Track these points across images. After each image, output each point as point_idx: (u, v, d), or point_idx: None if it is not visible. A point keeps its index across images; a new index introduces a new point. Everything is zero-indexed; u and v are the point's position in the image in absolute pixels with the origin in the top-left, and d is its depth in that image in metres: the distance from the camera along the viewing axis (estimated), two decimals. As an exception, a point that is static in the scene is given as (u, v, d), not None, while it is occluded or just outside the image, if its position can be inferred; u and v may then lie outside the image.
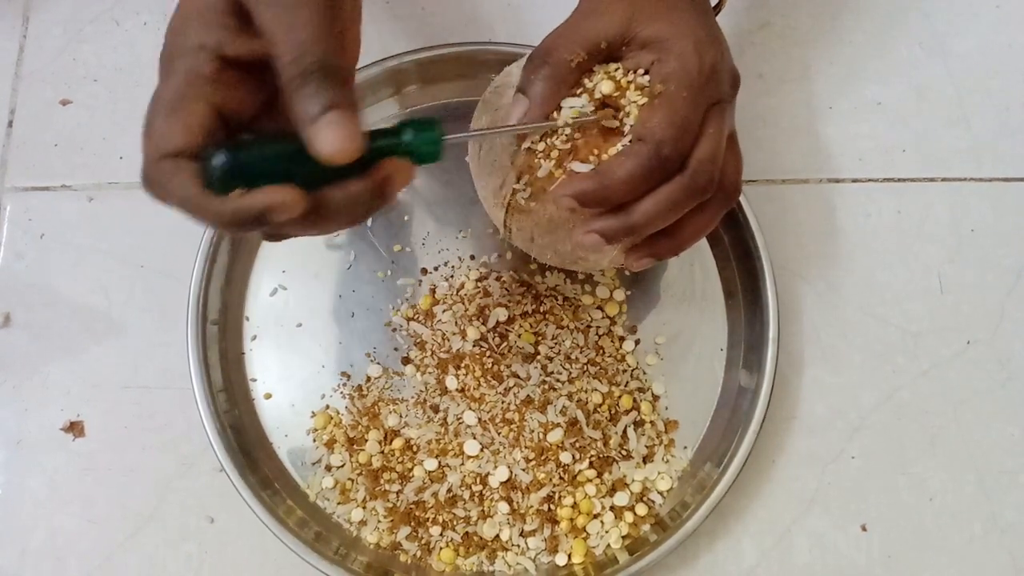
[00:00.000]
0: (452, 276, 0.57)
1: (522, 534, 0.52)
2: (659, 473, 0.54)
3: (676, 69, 0.40)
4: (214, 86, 0.34)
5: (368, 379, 0.55)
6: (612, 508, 0.53)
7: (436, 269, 0.57)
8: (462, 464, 0.53)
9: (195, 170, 0.33)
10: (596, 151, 0.42)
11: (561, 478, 0.52)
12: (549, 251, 0.48)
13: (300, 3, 0.33)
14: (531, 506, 0.52)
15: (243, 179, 0.33)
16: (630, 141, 0.41)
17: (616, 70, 0.42)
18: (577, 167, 0.42)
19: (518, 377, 0.54)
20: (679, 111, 0.40)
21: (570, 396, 0.53)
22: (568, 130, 0.42)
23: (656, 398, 0.55)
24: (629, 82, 0.42)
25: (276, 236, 0.39)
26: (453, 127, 0.59)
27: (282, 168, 0.33)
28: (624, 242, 0.44)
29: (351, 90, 0.34)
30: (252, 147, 0.34)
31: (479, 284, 0.56)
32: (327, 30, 0.34)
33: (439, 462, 0.53)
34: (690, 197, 0.41)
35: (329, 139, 0.33)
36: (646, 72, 0.42)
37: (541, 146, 0.43)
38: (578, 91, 0.43)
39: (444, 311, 0.55)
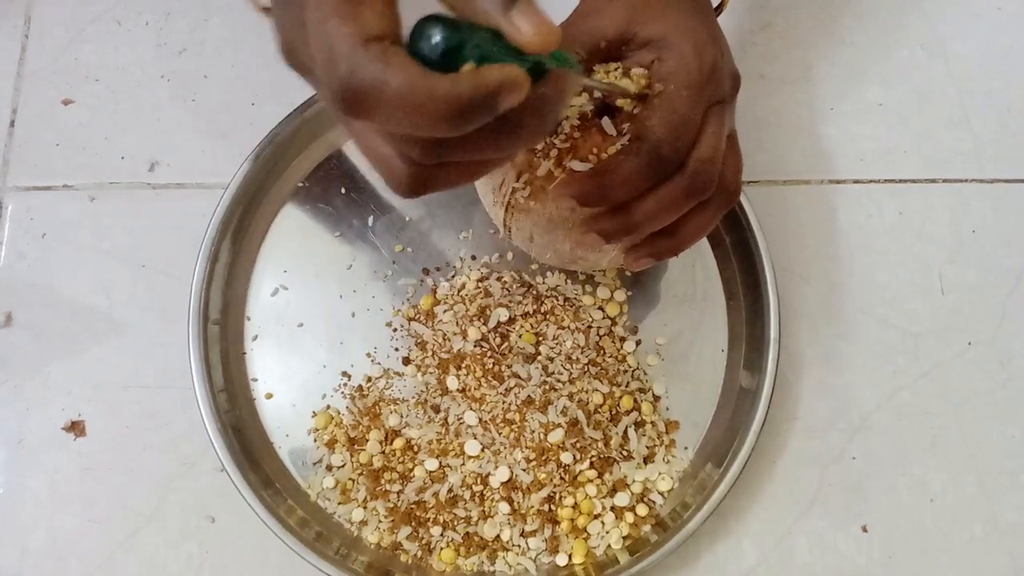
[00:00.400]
0: (453, 276, 0.57)
1: (523, 534, 0.52)
2: (660, 474, 0.54)
3: (676, 69, 0.40)
4: None
5: (369, 379, 0.55)
6: (613, 508, 0.53)
7: (437, 269, 0.57)
8: (463, 464, 0.53)
9: (405, 53, 0.29)
10: (596, 150, 0.42)
11: (562, 478, 0.52)
12: (548, 250, 0.48)
13: None
14: (532, 506, 0.52)
15: (460, 60, 0.29)
16: (629, 140, 0.41)
17: (616, 69, 0.42)
18: (576, 166, 0.42)
19: (519, 377, 0.54)
20: (678, 110, 0.40)
21: (571, 396, 0.53)
22: (568, 128, 0.42)
23: (657, 398, 0.55)
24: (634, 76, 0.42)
25: (431, 180, 0.34)
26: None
27: (489, 50, 0.29)
28: (623, 242, 0.44)
29: None
30: (456, 30, 0.29)
31: (480, 284, 0.56)
32: None
33: (440, 462, 0.53)
34: (689, 197, 0.41)
35: (533, 23, 0.29)
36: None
37: (540, 145, 0.43)
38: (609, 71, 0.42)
39: (445, 311, 0.55)
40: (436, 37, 0.28)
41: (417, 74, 0.28)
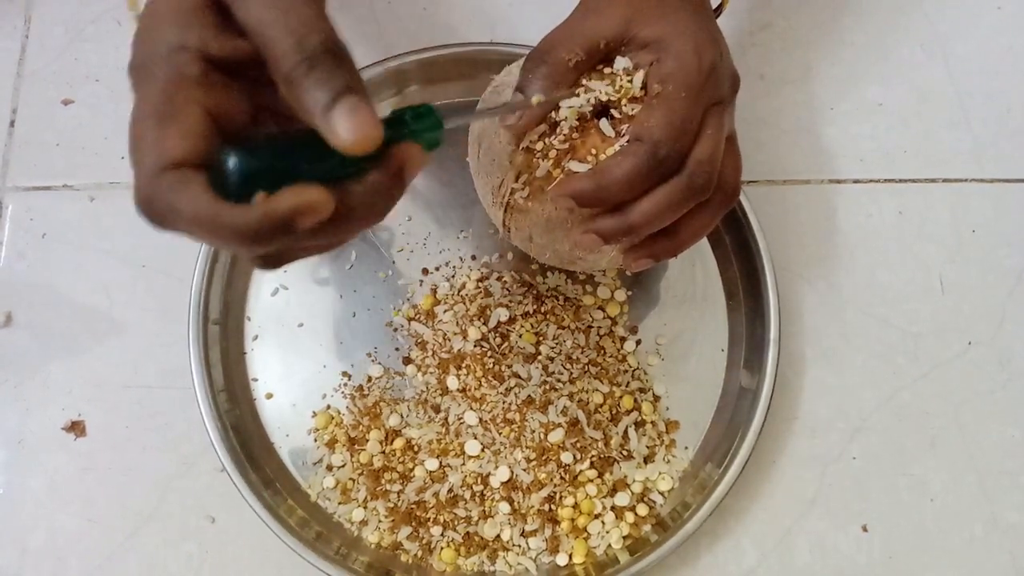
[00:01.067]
0: (453, 276, 0.57)
1: (523, 534, 0.52)
2: (660, 473, 0.54)
3: (674, 70, 0.40)
4: (203, 89, 0.31)
5: (369, 379, 0.55)
6: (613, 508, 0.53)
7: (437, 269, 0.57)
8: (463, 464, 0.53)
9: (203, 181, 0.29)
10: (594, 151, 0.42)
11: (562, 478, 0.52)
12: (548, 251, 0.48)
13: None
14: (532, 506, 0.52)
15: (256, 186, 0.29)
16: (628, 141, 0.41)
17: (611, 72, 0.42)
18: (575, 167, 0.42)
19: (519, 377, 0.54)
20: (677, 111, 0.40)
21: (571, 396, 0.53)
22: (566, 129, 0.42)
23: (657, 398, 0.55)
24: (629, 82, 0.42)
25: (280, 258, 0.35)
26: (454, 126, 0.60)
27: (295, 168, 0.30)
28: (622, 242, 0.44)
29: (358, 73, 0.31)
30: (261, 147, 0.30)
31: (480, 284, 0.56)
32: (322, 11, 0.31)
33: (440, 462, 0.53)
34: (688, 198, 0.41)
35: (350, 126, 0.29)
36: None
37: (539, 146, 0.43)
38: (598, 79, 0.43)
39: (445, 311, 0.55)
40: (228, 166, 0.29)
41: (205, 205, 0.29)
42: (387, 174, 0.32)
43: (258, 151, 0.30)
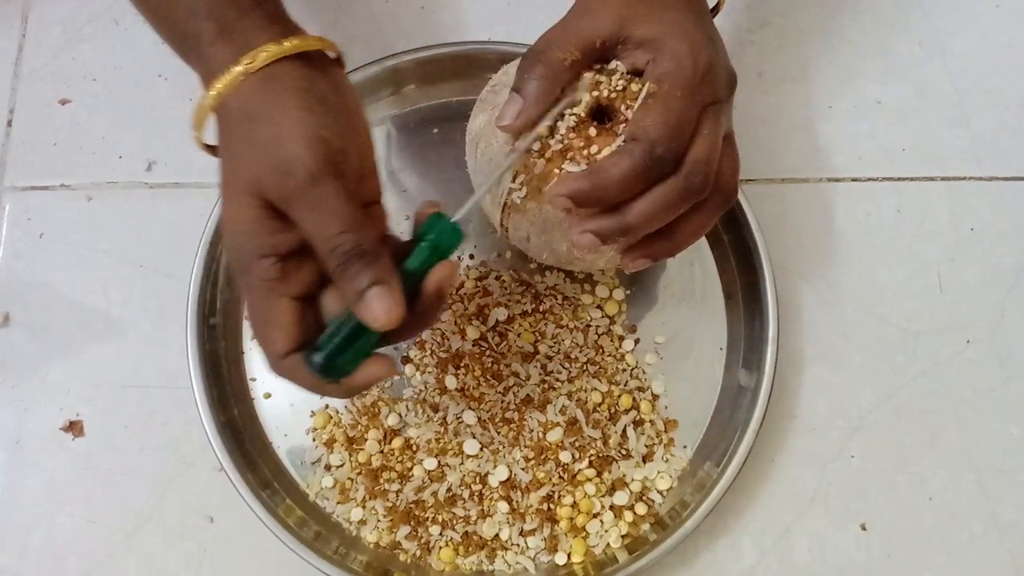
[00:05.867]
0: (451, 275, 0.57)
1: (522, 533, 0.52)
2: (659, 472, 0.54)
3: (671, 69, 0.40)
4: (286, 283, 0.38)
5: (367, 378, 0.55)
6: (612, 507, 0.53)
7: (435, 268, 0.57)
8: (461, 463, 0.53)
9: (306, 366, 0.39)
10: (591, 151, 0.42)
11: (561, 477, 0.52)
12: (545, 250, 0.48)
13: (325, 196, 0.37)
14: (531, 505, 0.52)
15: (339, 360, 0.38)
16: (624, 141, 0.41)
17: (603, 71, 0.42)
18: (571, 167, 0.42)
19: (517, 376, 0.54)
20: (673, 111, 0.40)
21: (569, 395, 0.53)
22: (563, 129, 0.42)
23: (656, 397, 0.55)
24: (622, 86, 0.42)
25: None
26: (451, 126, 0.60)
27: (361, 333, 0.38)
28: (620, 242, 0.44)
29: (386, 261, 0.38)
30: (332, 336, 0.39)
31: (479, 283, 0.56)
32: (354, 213, 0.37)
33: (439, 461, 0.53)
34: (685, 198, 0.41)
35: (376, 312, 0.37)
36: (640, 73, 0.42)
37: (537, 145, 0.43)
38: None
39: (444, 310, 0.55)
40: (316, 368, 0.38)
41: (312, 384, 0.40)
42: (429, 302, 0.40)
43: (329, 343, 0.38)
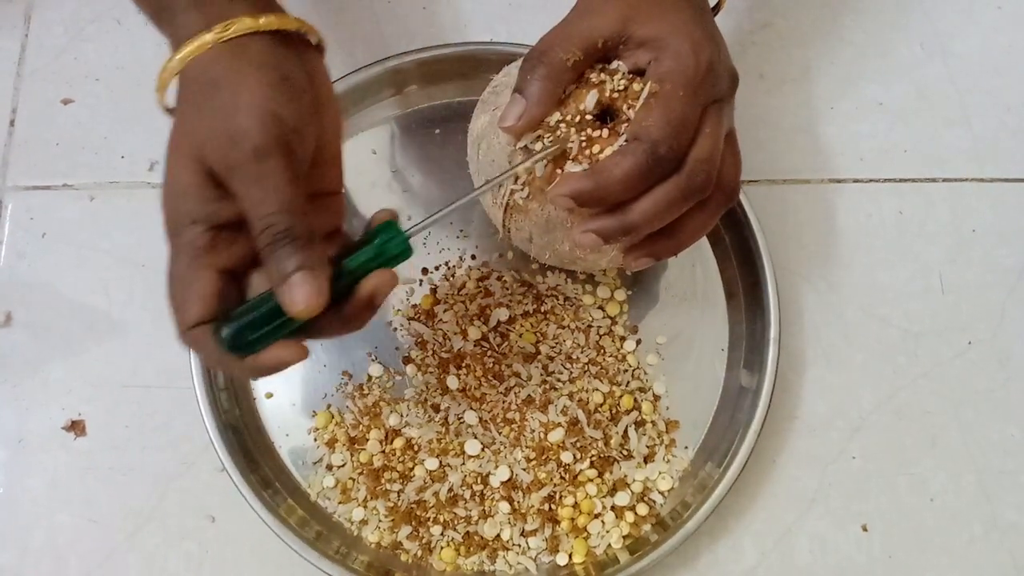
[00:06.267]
0: (453, 276, 0.57)
1: (523, 534, 0.52)
2: (660, 473, 0.54)
3: (672, 68, 0.40)
4: (213, 253, 0.37)
5: (369, 378, 0.55)
6: (613, 508, 0.53)
7: (437, 269, 0.57)
8: (463, 464, 0.53)
9: (212, 338, 0.37)
10: (593, 151, 0.42)
11: (562, 478, 0.52)
12: (548, 251, 0.48)
13: (267, 173, 0.36)
14: (532, 506, 0.52)
15: (250, 336, 0.37)
16: (626, 141, 0.41)
17: (602, 71, 0.43)
18: (574, 167, 0.42)
19: (519, 377, 0.54)
20: (675, 110, 0.40)
21: (571, 396, 0.53)
22: (564, 129, 0.42)
23: (657, 398, 0.55)
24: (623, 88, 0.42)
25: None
26: (453, 126, 0.60)
27: (278, 316, 0.37)
28: (622, 242, 0.44)
29: (320, 250, 0.37)
30: (247, 310, 0.37)
31: (480, 284, 0.56)
32: (294, 196, 0.36)
33: (440, 461, 0.53)
34: (687, 197, 0.41)
35: (297, 297, 0.36)
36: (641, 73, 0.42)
37: (538, 146, 0.43)
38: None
39: (445, 311, 0.55)
40: (224, 338, 0.37)
41: (217, 357, 0.38)
42: (358, 306, 0.39)
43: (245, 316, 0.37)
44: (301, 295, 0.36)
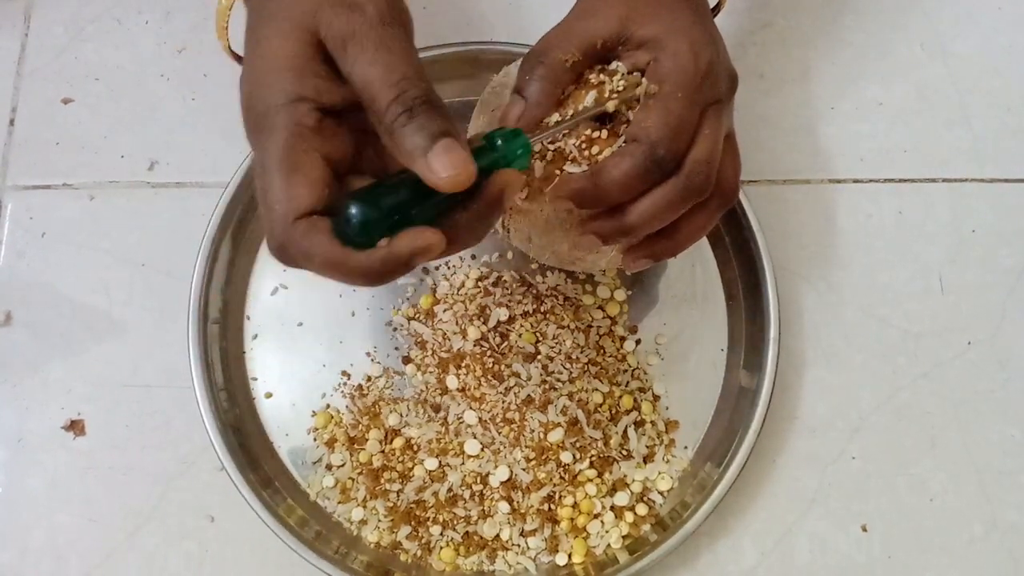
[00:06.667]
0: (453, 275, 0.57)
1: (522, 534, 0.52)
2: (660, 473, 0.54)
3: (672, 69, 0.40)
4: (320, 138, 0.34)
5: (369, 378, 0.55)
6: (612, 508, 0.53)
7: (437, 268, 0.57)
8: (462, 463, 0.53)
9: (330, 227, 0.33)
10: (592, 152, 0.42)
11: (562, 478, 0.52)
12: (547, 251, 0.48)
13: (385, 43, 0.33)
14: (531, 506, 0.52)
15: (375, 231, 0.32)
16: (625, 142, 0.41)
17: (602, 71, 0.42)
18: (573, 168, 0.42)
19: (519, 377, 0.54)
20: (674, 111, 0.40)
21: (571, 396, 0.53)
22: (565, 129, 0.42)
23: (657, 398, 0.55)
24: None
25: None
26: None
27: (407, 210, 0.33)
28: (621, 243, 0.44)
29: (453, 119, 0.34)
30: (376, 195, 0.33)
31: (480, 284, 0.56)
32: (418, 64, 0.34)
33: (439, 461, 0.53)
34: (686, 198, 0.41)
35: (446, 166, 0.32)
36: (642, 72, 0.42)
37: (538, 146, 0.43)
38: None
39: (445, 310, 0.55)
40: (353, 220, 0.32)
41: (334, 252, 0.32)
42: (487, 202, 0.35)
43: (374, 199, 0.32)
44: (448, 162, 0.32)
